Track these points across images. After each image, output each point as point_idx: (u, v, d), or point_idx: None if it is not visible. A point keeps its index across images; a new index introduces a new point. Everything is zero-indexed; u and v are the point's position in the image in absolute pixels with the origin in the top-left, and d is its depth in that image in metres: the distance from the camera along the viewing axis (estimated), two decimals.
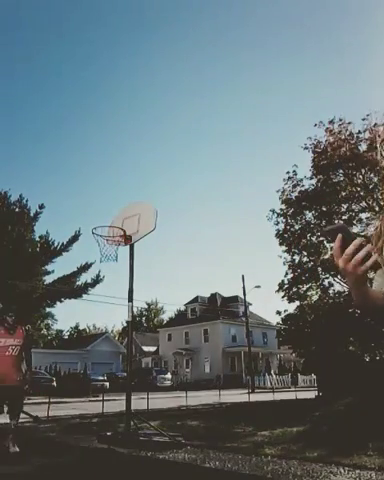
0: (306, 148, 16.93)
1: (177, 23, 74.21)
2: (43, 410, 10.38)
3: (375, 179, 16.06)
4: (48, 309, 29.94)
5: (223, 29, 72.24)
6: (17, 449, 4.98)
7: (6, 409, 5.32)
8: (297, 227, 17.53)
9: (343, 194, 16.80)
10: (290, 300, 17.27)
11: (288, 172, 17.32)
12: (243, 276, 31.90)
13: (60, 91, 77.19)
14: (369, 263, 0.97)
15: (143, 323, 68.78)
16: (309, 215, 17.49)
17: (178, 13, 71.70)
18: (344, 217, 17.05)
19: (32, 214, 23.57)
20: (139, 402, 11.49)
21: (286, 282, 17.50)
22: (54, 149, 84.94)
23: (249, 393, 19.71)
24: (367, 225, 16.47)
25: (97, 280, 24.66)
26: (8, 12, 58.09)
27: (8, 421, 5.25)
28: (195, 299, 44.86)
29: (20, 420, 9.01)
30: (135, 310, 54.52)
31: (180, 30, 74.80)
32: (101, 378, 28.17)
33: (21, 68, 72.55)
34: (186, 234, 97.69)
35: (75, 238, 23.78)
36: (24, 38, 71.22)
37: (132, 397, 6.73)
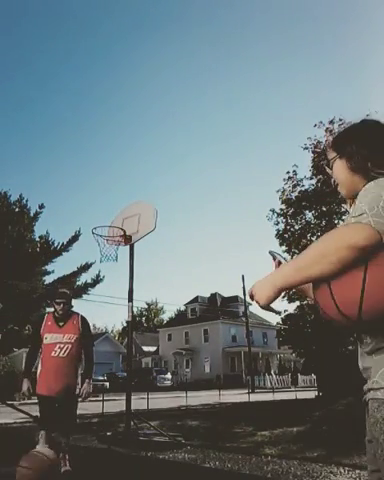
0: (306, 148, 16.91)
1: (178, 23, 74.30)
2: None
3: None
4: (48, 309, 29.89)
5: (223, 29, 72.32)
6: (69, 468, 4.09)
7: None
8: (297, 227, 17.52)
9: None
10: (290, 300, 17.26)
11: (288, 172, 17.30)
12: (243, 276, 31.94)
13: (60, 91, 77.29)
14: None
15: (143, 323, 68.76)
16: (309, 215, 17.49)
17: (178, 13, 71.77)
18: (344, 217, 17.06)
19: (32, 214, 23.52)
20: (139, 402, 11.50)
21: None
22: (54, 149, 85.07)
23: (249, 393, 19.71)
24: None
25: (97, 280, 24.58)
26: (9, 11, 58.11)
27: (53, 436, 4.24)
28: (195, 299, 44.83)
29: (21, 420, 9.05)
30: (135, 310, 54.56)
31: (180, 30, 74.89)
32: (101, 378, 28.20)
33: (21, 68, 72.64)
34: (186, 234, 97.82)
35: (75, 238, 23.72)
36: (24, 38, 71.30)
37: (132, 397, 6.73)
